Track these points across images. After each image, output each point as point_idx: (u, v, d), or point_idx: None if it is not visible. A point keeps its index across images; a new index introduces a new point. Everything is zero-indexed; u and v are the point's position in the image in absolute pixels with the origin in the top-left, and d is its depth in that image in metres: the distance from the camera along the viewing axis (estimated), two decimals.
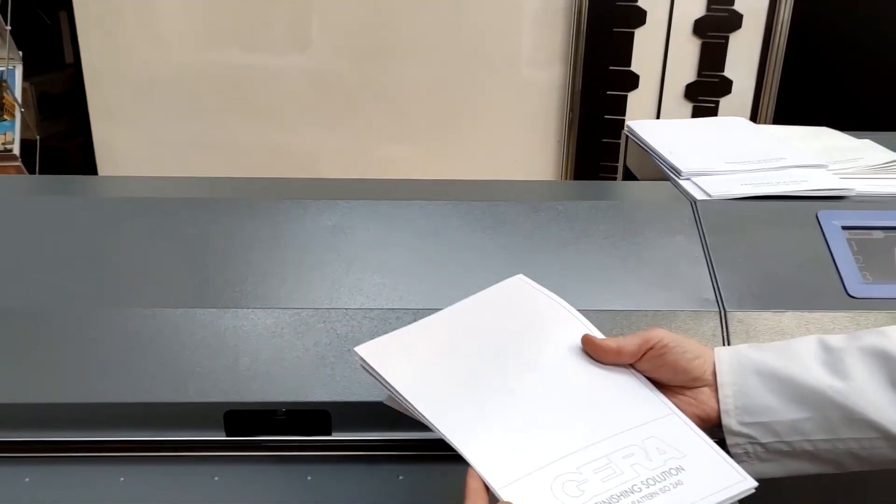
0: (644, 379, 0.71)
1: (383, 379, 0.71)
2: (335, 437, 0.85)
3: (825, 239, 0.95)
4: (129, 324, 0.87)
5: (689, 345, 0.70)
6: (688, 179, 1.05)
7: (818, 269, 0.92)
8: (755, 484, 0.63)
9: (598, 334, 0.73)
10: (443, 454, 0.83)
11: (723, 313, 0.88)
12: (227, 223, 0.96)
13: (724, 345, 0.87)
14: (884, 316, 0.88)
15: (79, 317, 0.87)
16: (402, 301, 0.90)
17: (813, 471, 0.68)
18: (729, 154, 1.12)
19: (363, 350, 0.73)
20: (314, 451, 0.85)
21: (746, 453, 0.68)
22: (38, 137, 2.38)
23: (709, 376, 0.69)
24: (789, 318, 0.88)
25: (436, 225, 0.96)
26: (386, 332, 0.87)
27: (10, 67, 2.27)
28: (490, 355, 0.73)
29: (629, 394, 0.70)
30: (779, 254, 0.94)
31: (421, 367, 0.71)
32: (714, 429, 0.70)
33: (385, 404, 0.74)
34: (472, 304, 0.79)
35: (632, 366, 0.72)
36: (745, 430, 0.67)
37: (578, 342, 0.73)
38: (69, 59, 2.80)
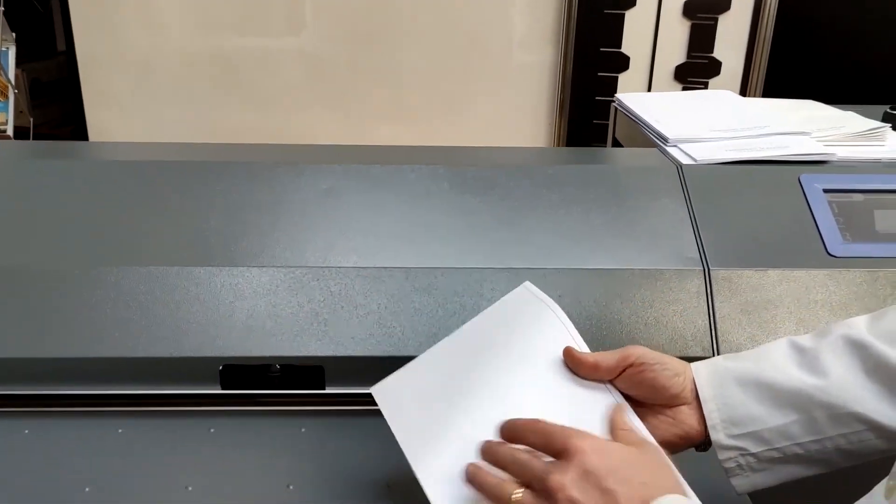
0: (620, 398, 0.69)
1: (390, 424, 0.71)
2: (329, 390, 0.87)
3: (807, 201, 0.97)
4: (127, 281, 0.89)
5: (668, 362, 0.69)
6: (674, 146, 1.07)
7: (800, 229, 0.95)
8: None
9: (584, 348, 0.71)
10: None
11: (707, 271, 0.91)
12: (223, 185, 0.98)
13: (708, 300, 0.89)
14: (862, 273, 0.91)
15: (77, 275, 0.89)
16: (393, 260, 0.92)
17: (805, 473, 0.68)
18: (715, 122, 1.14)
19: (377, 393, 0.73)
20: (308, 405, 0.87)
21: (739, 466, 0.67)
22: (31, 119, 2.39)
23: (688, 394, 0.68)
24: (771, 275, 0.90)
25: (428, 188, 0.98)
26: (377, 290, 0.90)
27: (4, 49, 2.28)
28: (485, 392, 0.69)
29: (601, 419, 0.66)
30: (762, 215, 0.97)
31: (419, 413, 0.70)
32: (696, 446, 0.69)
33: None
34: (479, 327, 0.76)
35: (611, 382, 0.70)
36: (734, 442, 0.66)
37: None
38: (61, 46, 2.81)
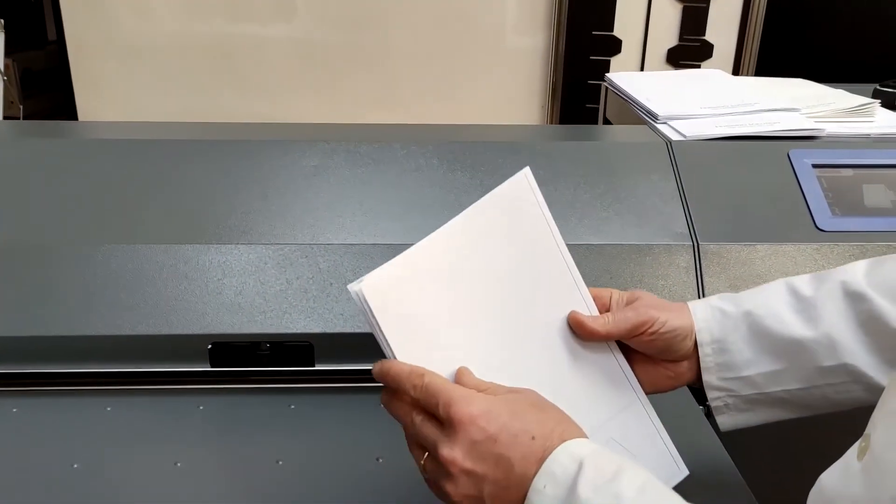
0: (621, 358, 0.68)
1: (381, 332, 0.60)
2: (318, 367, 0.87)
3: (796, 176, 0.97)
4: (115, 259, 0.88)
5: (678, 327, 0.67)
6: (664, 123, 1.07)
7: (789, 204, 0.95)
8: (687, 473, 0.67)
9: (586, 294, 0.67)
10: None
11: (696, 246, 0.91)
12: (210, 163, 0.97)
13: (697, 275, 0.89)
14: (850, 248, 0.91)
15: (65, 253, 0.88)
16: (382, 237, 0.91)
17: (788, 416, 0.69)
18: (704, 100, 1.14)
19: (366, 289, 0.57)
20: (298, 382, 0.87)
21: (726, 405, 0.69)
22: (21, 108, 2.37)
23: (691, 350, 0.68)
24: (760, 250, 0.90)
25: (417, 164, 0.98)
26: (366, 267, 0.89)
27: None
28: (484, 306, 0.63)
29: (604, 378, 0.66)
30: (751, 190, 0.97)
31: (416, 320, 0.60)
32: (687, 384, 0.70)
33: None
34: (473, 222, 0.67)
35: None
36: (725, 384, 0.68)
37: (566, 300, 0.66)
38: (52, 35, 2.78)
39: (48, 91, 2.79)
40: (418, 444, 0.56)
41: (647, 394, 0.69)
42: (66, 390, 0.85)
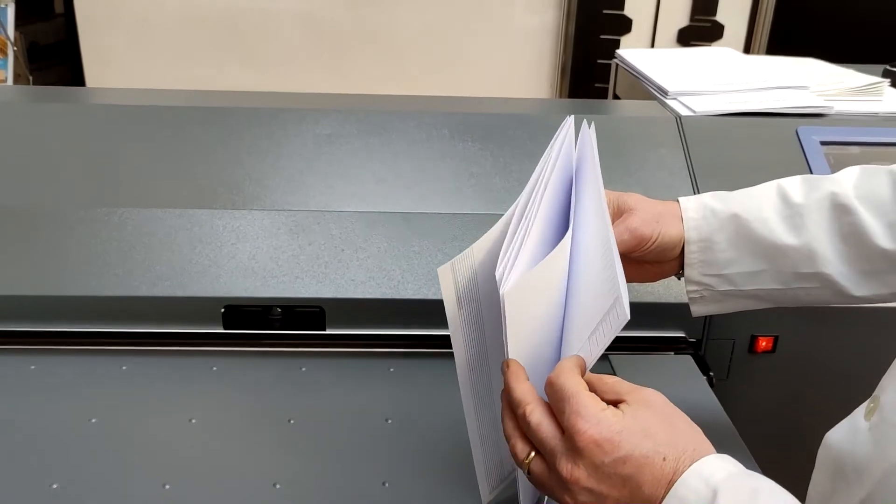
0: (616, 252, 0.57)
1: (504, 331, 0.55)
2: (329, 331, 0.89)
3: (804, 153, 0.98)
4: (131, 222, 0.90)
5: (671, 233, 0.69)
6: (674, 98, 1.08)
7: None
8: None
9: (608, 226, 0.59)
10: (430, 351, 0.88)
11: None
12: (224, 130, 0.98)
13: None
14: None
15: (83, 216, 0.90)
16: (393, 205, 0.93)
17: (755, 308, 0.73)
18: (714, 77, 1.14)
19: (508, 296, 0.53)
20: (309, 346, 0.89)
21: (702, 297, 0.72)
22: (30, 81, 2.38)
23: (680, 251, 0.71)
24: None
25: (428, 134, 0.99)
26: (377, 234, 0.91)
27: (3, 6, 2.26)
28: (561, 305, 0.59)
29: (598, 281, 0.56)
30: (759, 166, 0.97)
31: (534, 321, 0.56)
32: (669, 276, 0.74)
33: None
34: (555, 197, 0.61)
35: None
36: (705, 279, 0.71)
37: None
38: (59, 9, 2.78)
39: (56, 64, 2.79)
40: (524, 438, 0.52)
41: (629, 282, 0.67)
42: (83, 349, 0.87)
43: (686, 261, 0.71)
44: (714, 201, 0.71)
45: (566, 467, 0.49)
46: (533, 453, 0.52)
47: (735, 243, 0.69)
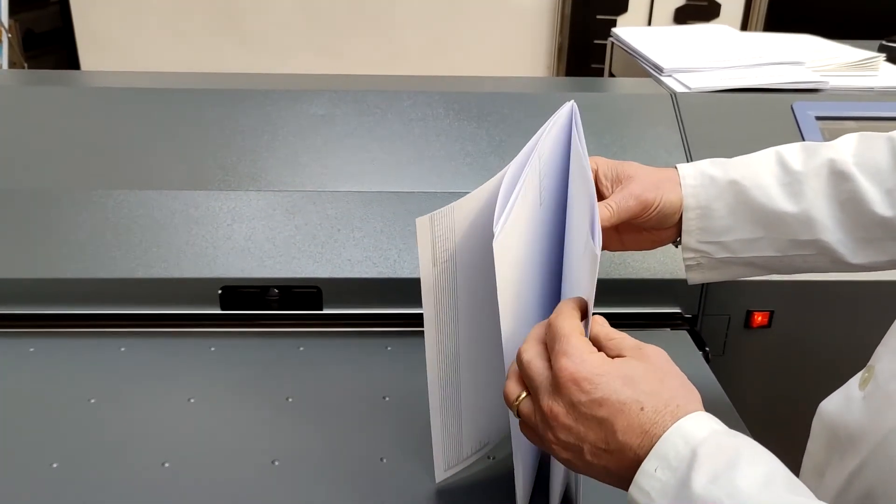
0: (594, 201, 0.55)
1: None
2: (326, 311, 0.89)
3: (799, 128, 0.98)
4: (128, 205, 0.90)
5: (670, 199, 0.69)
6: (669, 75, 1.08)
7: None
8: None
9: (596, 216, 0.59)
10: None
11: None
12: (219, 112, 0.98)
13: None
14: None
15: (79, 198, 0.90)
16: (388, 184, 0.93)
17: (751, 276, 0.73)
18: (710, 54, 1.14)
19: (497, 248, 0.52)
20: (306, 326, 0.89)
21: (699, 264, 0.72)
22: (25, 67, 2.37)
23: (679, 218, 0.71)
24: None
25: (423, 113, 0.99)
26: (373, 214, 0.91)
27: None
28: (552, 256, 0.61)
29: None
30: (755, 141, 0.96)
31: (516, 271, 0.55)
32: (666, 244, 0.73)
33: None
34: (538, 166, 0.59)
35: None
36: (702, 247, 0.71)
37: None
38: None
39: (50, 52, 2.78)
40: (519, 380, 0.53)
41: (626, 250, 0.72)
42: (81, 332, 0.87)
43: (684, 228, 0.70)
44: (713, 168, 0.71)
45: (546, 402, 0.49)
46: (524, 394, 0.52)
47: (733, 210, 0.69)
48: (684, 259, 0.72)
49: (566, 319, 0.51)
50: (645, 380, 0.48)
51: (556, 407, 0.49)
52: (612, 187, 0.69)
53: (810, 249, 0.69)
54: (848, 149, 0.68)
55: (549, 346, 0.51)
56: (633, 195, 0.67)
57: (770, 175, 0.69)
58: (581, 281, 0.53)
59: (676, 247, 0.73)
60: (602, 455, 0.48)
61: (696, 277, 0.73)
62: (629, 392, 0.47)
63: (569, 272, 0.59)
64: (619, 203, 0.67)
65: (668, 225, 0.71)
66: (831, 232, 0.67)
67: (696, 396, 0.49)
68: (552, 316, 0.52)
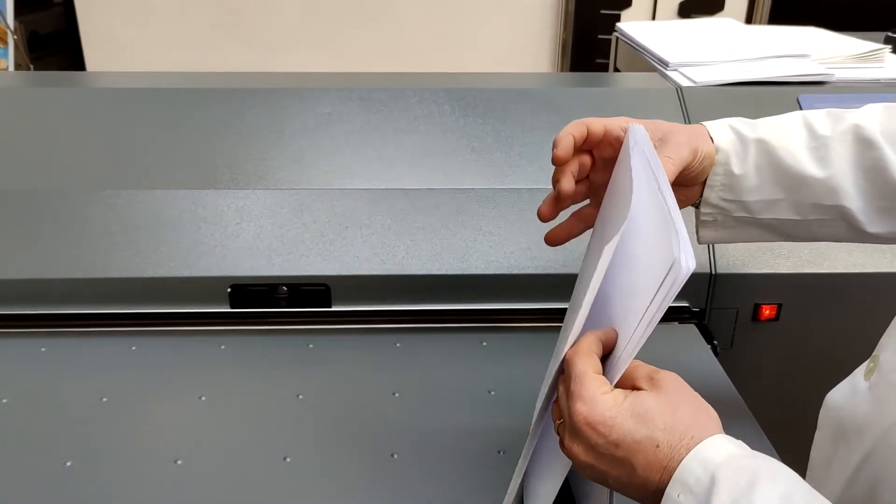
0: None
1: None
2: (335, 308, 0.90)
3: None
4: (136, 204, 0.90)
5: (707, 149, 0.66)
6: (675, 70, 1.07)
7: None
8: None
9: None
10: (436, 326, 0.88)
11: None
12: (226, 111, 0.99)
13: None
14: None
15: (89, 199, 0.91)
16: (395, 182, 0.93)
17: (765, 240, 0.71)
18: (715, 47, 1.14)
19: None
20: (315, 323, 0.90)
21: (715, 221, 0.70)
22: (31, 68, 2.38)
23: (708, 173, 0.68)
24: None
25: (429, 110, 0.99)
26: (381, 211, 0.91)
27: None
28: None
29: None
30: None
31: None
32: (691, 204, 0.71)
33: None
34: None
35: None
36: (722, 203, 0.69)
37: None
38: None
39: (55, 53, 2.79)
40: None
41: None
42: (92, 331, 0.88)
43: (708, 182, 0.68)
44: (740, 125, 0.69)
45: (568, 442, 0.51)
46: (560, 420, 0.53)
47: (759, 170, 0.67)
48: (700, 215, 0.70)
49: (581, 357, 0.51)
50: (659, 415, 0.48)
51: (575, 448, 0.50)
52: (655, 144, 0.66)
53: (830, 214, 0.67)
54: (874, 117, 0.67)
55: (565, 386, 0.52)
56: (683, 143, 0.65)
57: (798, 138, 0.67)
58: (635, 309, 0.50)
59: (697, 207, 0.70)
60: (627, 487, 0.49)
61: (707, 235, 0.71)
62: (644, 430, 0.48)
63: (607, 301, 0.56)
64: (674, 155, 0.64)
65: (700, 180, 0.68)
66: (853, 199, 0.66)
67: (712, 419, 0.50)
68: (570, 352, 0.52)
